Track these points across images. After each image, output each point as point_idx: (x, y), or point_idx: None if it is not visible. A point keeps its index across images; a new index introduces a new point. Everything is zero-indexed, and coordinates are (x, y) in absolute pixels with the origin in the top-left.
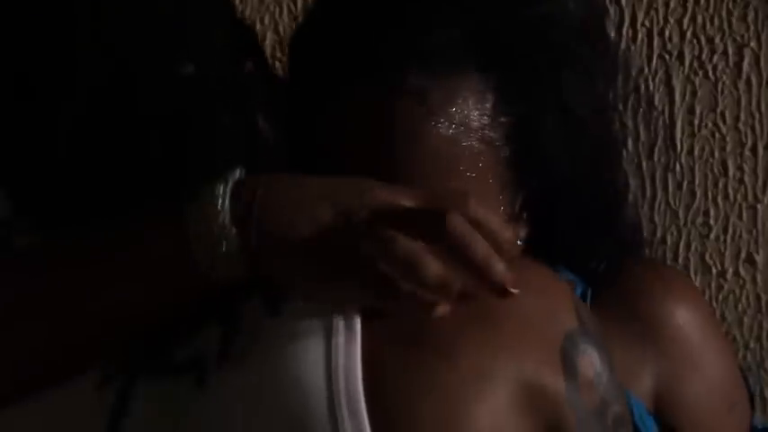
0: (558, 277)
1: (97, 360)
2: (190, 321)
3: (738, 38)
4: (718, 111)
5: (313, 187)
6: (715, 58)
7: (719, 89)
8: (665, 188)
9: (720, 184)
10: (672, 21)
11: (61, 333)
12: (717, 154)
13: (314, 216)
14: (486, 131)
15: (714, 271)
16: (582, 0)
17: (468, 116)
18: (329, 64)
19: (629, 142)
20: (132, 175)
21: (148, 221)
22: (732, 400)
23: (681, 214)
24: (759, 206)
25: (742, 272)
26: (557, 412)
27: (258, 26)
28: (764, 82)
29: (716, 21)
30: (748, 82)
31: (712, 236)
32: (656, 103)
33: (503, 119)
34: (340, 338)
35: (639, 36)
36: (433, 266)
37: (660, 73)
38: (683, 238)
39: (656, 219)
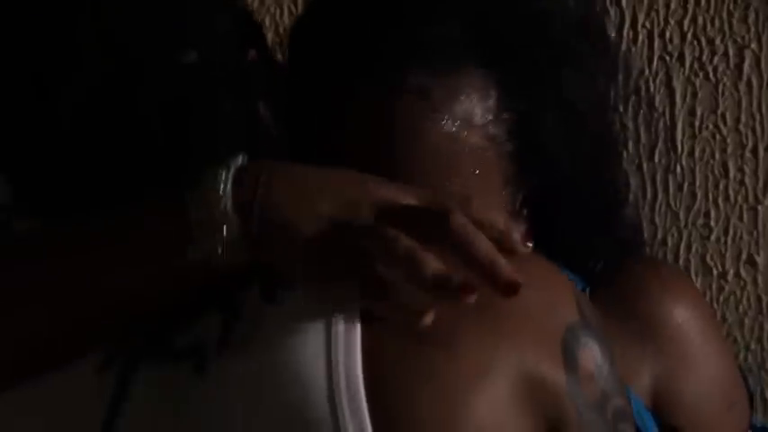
0: (559, 270)
1: (97, 345)
2: (190, 308)
3: (739, 39)
4: (719, 112)
5: (316, 178)
6: (716, 59)
7: (720, 91)
8: (666, 190)
9: (721, 186)
10: (672, 22)
11: (61, 318)
12: (717, 155)
13: (316, 208)
14: (490, 128)
15: (715, 272)
16: None
17: (472, 113)
18: (331, 62)
19: (630, 144)
20: (133, 162)
21: (149, 207)
22: (731, 399)
23: (681, 216)
24: (760, 208)
25: (743, 273)
26: (557, 404)
27: None
28: (765, 83)
29: (716, 22)
30: (749, 83)
31: (713, 237)
32: (657, 104)
33: (505, 115)
34: (340, 329)
35: (640, 37)
36: (434, 265)
37: (661, 74)
38: (684, 239)
39: (657, 220)
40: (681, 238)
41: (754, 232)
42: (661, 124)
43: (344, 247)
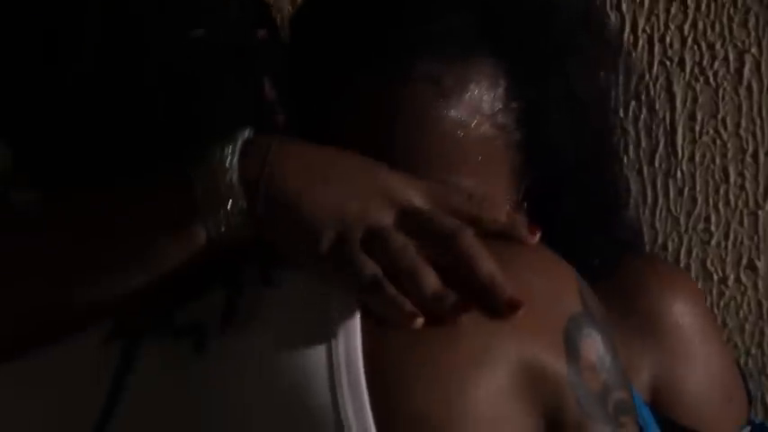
0: (563, 261)
1: (100, 319)
2: (192, 285)
3: (739, 44)
4: (720, 117)
5: (326, 160)
6: (716, 64)
7: (720, 95)
8: (667, 194)
9: (722, 191)
10: (673, 27)
11: (61, 291)
12: (718, 160)
13: (324, 192)
14: (499, 117)
15: (715, 277)
16: None
17: (481, 101)
18: (341, 47)
19: (631, 148)
20: (136, 134)
21: (154, 179)
22: (730, 394)
23: (682, 221)
24: (760, 212)
25: (743, 278)
26: (557, 394)
27: None
28: (765, 88)
29: (717, 27)
30: (749, 88)
31: (713, 242)
32: (657, 109)
33: (514, 105)
34: (339, 315)
35: (640, 42)
36: (433, 282)
37: (661, 79)
38: (685, 244)
39: (658, 225)
40: (681, 243)
41: (755, 237)
42: (661, 129)
43: (348, 239)
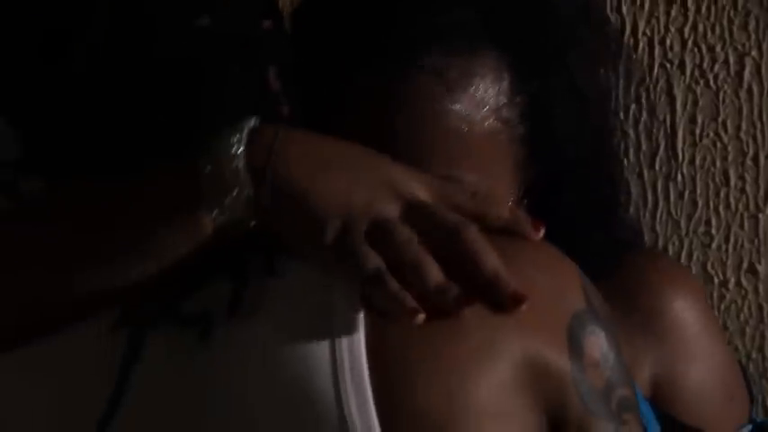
0: (567, 258)
1: (104, 307)
2: (198, 275)
3: (739, 47)
4: (720, 120)
5: (333, 151)
6: (716, 67)
7: (721, 98)
8: (667, 198)
9: (722, 194)
10: (673, 30)
11: (65, 280)
12: (718, 163)
13: (330, 183)
14: (503, 111)
15: (716, 281)
16: None
17: (486, 95)
18: (344, 42)
19: (631, 152)
20: (143, 122)
21: (160, 167)
22: (732, 391)
23: (682, 224)
24: (761, 216)
25: (744, 282)
26: (560, 390)
27: None
28: (766, 91)
29: (717, 29)
30: (749, 91)
31: (714, 245)
32: (658, 112)
33: (518, 99)
34: (344, 309)
35: (640, 45)
36: (436, 276)
37: (661, 82)
38: (685, 247)
39: (658, 228)
40: (682, 247)
41: (756, 240)
42: (662, 132)
43: (353, 230)
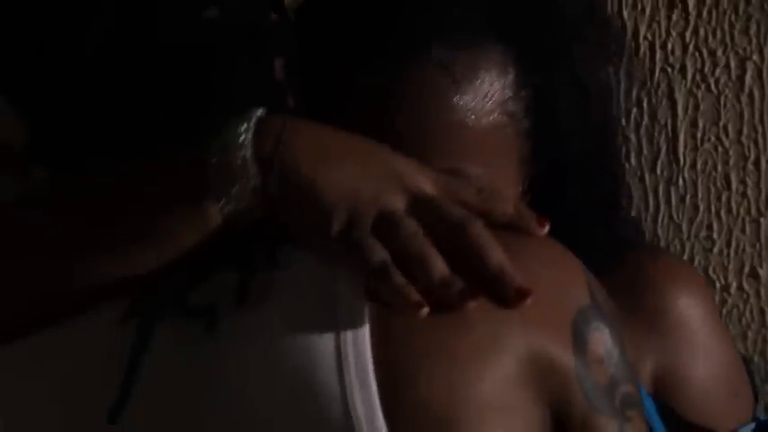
0: (571, 254)
1: (111, 297)
2: (204, 266)
3: (741, 51)
4: (721, 124)
5: (340, 143)
6: (717, 71)
7: (722, 102)
8: (668, 202)
9: (723, 198)
10: (674, 34)
11: (72, 269)
12: (720, 167)
13: (337, 174)
14: (509, 105)
15: (718, 285)
16: None
17: (491, 88)
18: (351, 35)
19: (632, 156)
20: (150, 112)
21: (167, 156)
22: (735, 388)
23: (684, 228)
24: (762, 220)
25: (746, 286)
26: (563, 386)
27: None
28: (767, 95)
29: (718, 34)
30: (751, 95)
31: (716, 250)
32: (659, 116)
33: (523, 93)
34: (349, 301)
35: (642, 49)
36: (441, 269)
37: (662, 86)
38: (687, 251)
39: (660, 232)
40: (683, 251)
41: (757, 245)
42: (663, 136)
43: (359, 222)
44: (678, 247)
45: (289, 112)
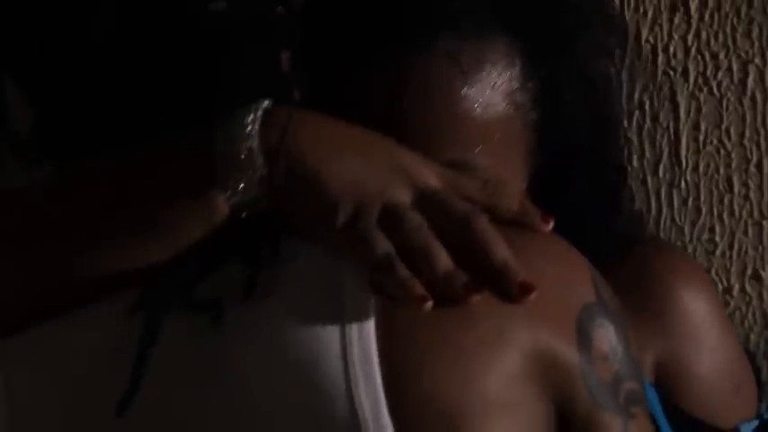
0: (574, 249)
1: (118, 289)
2: (210, 259)
3: (743, 54)
4: (723, 127)
5: (346, 135)
6: (720, 74)
7: (724, 105)
8: (671, 204)
9: (726, 201)
10: (676, 37)
11: (79, 258)
12: (722, 170)
13: (343, 166)
14: (517, 96)
15: (720, 287)
16: None
17: (499, 79)
18: (357, 26)
19: (634, 158)
20: (157, 102)
21: (175, 144)
22: (738, 382)
23: (686, 231)
24: (765, 222)
25: (748, 288)
26: (568, 382)
27: None
28: None
29: (720, 37)
30: (753, 98)
31: (718, 252)
32: (661, 119)
33: (530, 84)
34: (354, 294)
35: (643, 52)
36: (445, 263)
37: (665, 89)
38: (689, 254)
39: (662, 235)
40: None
41: (759, 247)
42: (665, 139)
43: (365, 214)
44: (680, 249)
45: (295, 104)
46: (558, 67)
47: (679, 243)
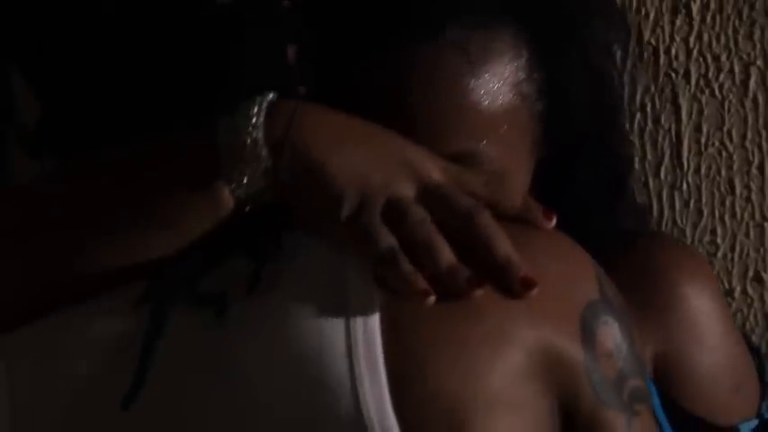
0: (580, 247)
1: (123, 281)
2: (215, 252)
3: (745, 56)
4: (725, 129)
5: (351, 128)
6: (721, 76)
7: (726, 107)
8: (672, 206)
9: (728, 203)
10: (678, 39)
11: (84, 251)
12: (724, 172)
13: (348, 159)
14: (523, 86)
15: (722, 290)
16: None
17: (506, 70)
18: (364, 17)
19: (636, 160)
20: (162, 94)
21: (180, 136)
22: (739, 380)
23: (688, 233)
24: (766, 225)
25: (750, 290)
26: (572, 379)
27: None
28: None
29: (722, 39)
30: (755, 100)
31: (720, 254)
32: (663, 121)
33: (536, 75)
34: (358, 289)
35: (645, 54)
36: (448, 257)
37: (666, 91)
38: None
39: None
40: None
41: (761, 249)
42: (667, 141)
43: (369, 207)
44: (685, 243)
45: (300, 97)
46: (564, 57)
47: None
